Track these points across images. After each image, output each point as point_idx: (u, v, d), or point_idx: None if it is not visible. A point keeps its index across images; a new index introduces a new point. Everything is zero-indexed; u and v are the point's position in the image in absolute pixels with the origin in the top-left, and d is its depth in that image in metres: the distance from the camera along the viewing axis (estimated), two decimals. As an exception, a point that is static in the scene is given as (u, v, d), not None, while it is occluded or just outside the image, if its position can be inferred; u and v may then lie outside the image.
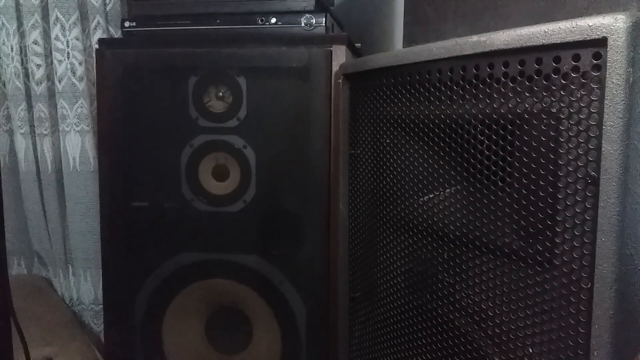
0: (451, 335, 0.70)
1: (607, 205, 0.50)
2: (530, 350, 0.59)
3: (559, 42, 0.52)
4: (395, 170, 0.78)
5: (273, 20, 1.02)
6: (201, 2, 1.05)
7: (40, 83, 1.32)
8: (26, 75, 1.33)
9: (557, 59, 0.53)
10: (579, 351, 0.53)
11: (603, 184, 0.50)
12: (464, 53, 0.63)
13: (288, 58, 0.98)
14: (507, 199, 0.60)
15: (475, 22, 0.74)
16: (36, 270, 1.49)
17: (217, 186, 1.03)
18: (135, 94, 1.03)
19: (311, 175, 0.99)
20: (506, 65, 0.58)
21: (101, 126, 1.07)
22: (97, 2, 1.28)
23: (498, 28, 0.60)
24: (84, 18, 1.30)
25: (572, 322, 0.54)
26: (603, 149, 0.49)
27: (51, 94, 1.33)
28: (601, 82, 0.50)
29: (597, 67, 0.50)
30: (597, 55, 0.50)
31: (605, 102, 0.49)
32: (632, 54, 0.48)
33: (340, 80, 0.94)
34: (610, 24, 0.48)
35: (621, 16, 0.48)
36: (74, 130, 1.32)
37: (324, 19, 1.01)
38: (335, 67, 0.97)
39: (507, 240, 0.61)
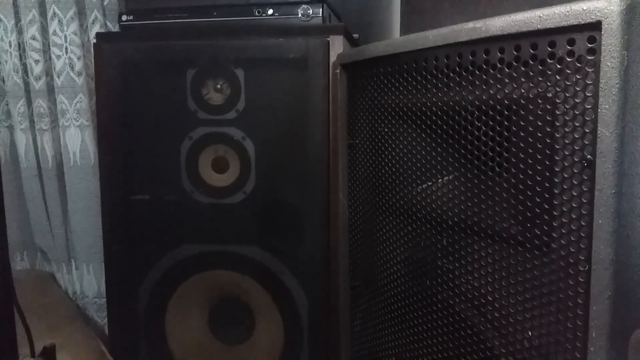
0: (451, 320, 0.71)
1: (604, 188, 0.50)
2: (530, 333, 0.59)
3: (553, 26, 0.53)
4: (394, 159, 0.78)
5: (270, 11, 1.02)
6: (198, -5, 1.05)
7: (39, 78, 1.32)
8: (25, 71, 1.33)
9: (552, 44, 0.53)
10: (577, 333, 0.54)
11: (599, 167, 0.50)
12: (460, 40, 0.63)
13: (285, 49, 0.98)
14: (505, 184, 0.61)
15: (471, 10, 0.74)
16: (39, 265, 1.49)
17: (217, 178, 1.04)
18: (134, 88, 1.03)
19: (310, 166, 0.99)
20: (502, 51, 0.59)
21: (100, 120, 1.08)
22: (94, -4, 1.28)
23: (494, 15, 0.60)
24: (81, 13, 1.30)
25: (570, 304, 0.54)
26: (599, 132, 0.50)
27: (50, 90, 1.33)
28: (596, 66, 0.50)
29: (592, 51, 0.50)
30: (591, 39, 0.50)
31: (600, 85, 0.49)
32: (626, 37, 0.48)
33: (338, 71, 0.94)
34: (604, 8, 0.49)
35: (615, 0, 0.48)
36: (74, 125, 1.32)
37: (321, 10, 1.01)
38: (332, 58, 0.97)
39: (505, 226, 0.61)
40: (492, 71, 0.60)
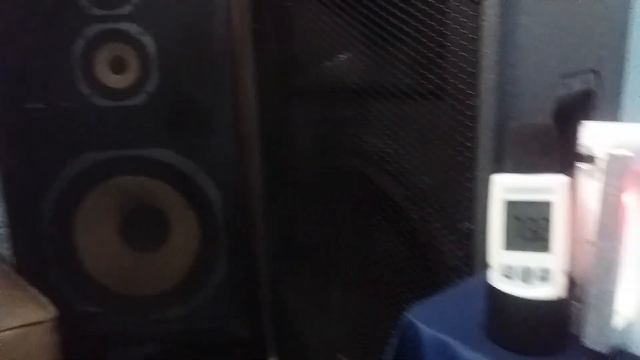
0: (363, 186, 0.78)
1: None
2: (429, 178, 0.68)
3: None
4: (301, 39, 0.81)
5: None
6: None
7: None
8: None
9: None
10: (467, 164, 0.62)
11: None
12: None
13: None
14: (402, 46, 0.66)
15: None
16: None
17: (116, 79, 1.00)
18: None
19: (215, 58, 0.98)
20: None
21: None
22: None
23: None
24: None
25: (465, 137, 0.62)
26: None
27: None
28: None
29: None
30: None
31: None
32: None
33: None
34: None
35: None
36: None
37: None
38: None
39: (404, 81, 0.67)
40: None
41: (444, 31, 0.61)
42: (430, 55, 0.63)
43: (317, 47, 0.79)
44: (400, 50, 0.67)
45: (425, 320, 0.50)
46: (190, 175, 1.04)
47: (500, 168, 0.46)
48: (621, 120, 0.77)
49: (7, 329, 0.81)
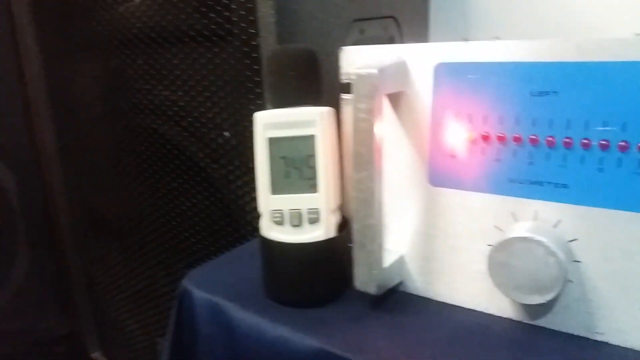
0: (160, 146, 0.69)
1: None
2: (229, 132, 0.61)
3: None
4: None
5: None
6: None
7: None
8: None
9: None
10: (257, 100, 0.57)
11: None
12: None
13: None
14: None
15: None
16: None
17: None
18: None
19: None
20: None
21: None
22: None
23: None
24: None
25: (253, 82, 0.57)
26: None
27: None
28: None
29: None
30: None
31: None
32: None
33: None
34: None
35: None
36: None
37: None
38: None
39: (191, 25, 0.60)
40: None
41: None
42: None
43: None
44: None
45: (199, 284, 0.44)
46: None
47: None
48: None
49: None
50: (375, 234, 0.37)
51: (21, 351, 0.97)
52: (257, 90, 0.57)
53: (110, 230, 0.82)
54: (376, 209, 0.37)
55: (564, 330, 0.36)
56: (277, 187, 0.41)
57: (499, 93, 0.35)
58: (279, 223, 0.41)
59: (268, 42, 0.54)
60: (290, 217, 0.41)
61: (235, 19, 0.56)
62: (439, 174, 0.38)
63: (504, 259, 0.34)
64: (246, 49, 0.57)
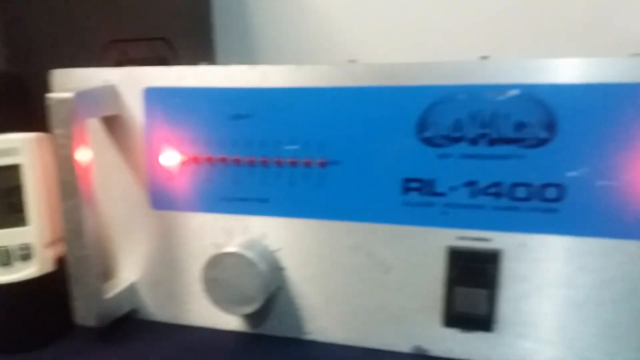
0: None
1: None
2: None
3: None
4: None
5: None
6: None
7: None
8: None
9: None
10: None
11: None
12: None
13: None
14: None
15: None
16: None
17: None
18: None
19: None
20: None
21: None
22: None
23: None
24: None
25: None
26: None
27: None
28: None
29: None
30: None
31: None
32: None
33: None
34: None
35: None
36: None
37: None
38: None
39: None
40: None
41: None
42: None
43: None
44: None
45: None
46: None
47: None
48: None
49: None
50: (90, 265, 0.36)
51: None
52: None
53: None
54: (88, 239, 0.35)
55: (280, 334, 0.38)
56: (-18, 224, 0.37)
57: (203, 117, 0.36)
58: (-13, 263, 0.37)
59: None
60: (0, 256, 0.37)
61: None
62: (159, 198, 0.39)
63: (214, 275, 0.35)
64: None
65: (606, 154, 0.30)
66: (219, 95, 0.35)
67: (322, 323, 0.37)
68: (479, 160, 0.32)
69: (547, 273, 0.32)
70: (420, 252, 0.34)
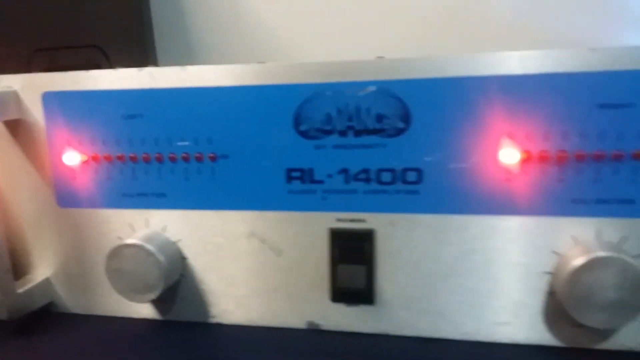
0: None
1: None
2: None
3: None
4: None
5: None
6: None
7: None
8: None
9: None
10: None
11: None
12: None
13: None
14: None
15: None
16: None
17: None
18: None
19: None
20: None
21: None
22: None
23: None
24: None
25: None
26: None
27: None
28: None
29: None
30: None
31: None
32: None
33: None
34: None
35: None
36: None
37: None
38: None
39: None
40: None
41: None
42: None
43: None
44: None
45: None
46: None
47: None
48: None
49: None
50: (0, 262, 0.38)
51: None
52: None
53: None
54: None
55: (187, 319, 0.41)
56: None
57: (98, 118, 0.38)
58: None
59: None
60: None
61: None
62: (65, 196, 0.41)
63: (117, 265, 0.38)
64: None
65: (456, 140, 0.33)
66: (112, 97, 0.38)
67: (225, 306, 0.40)
68: (348, 150, 0.35)
69: (415, 248, 0.35)
70: (306, 235, 0.37)
